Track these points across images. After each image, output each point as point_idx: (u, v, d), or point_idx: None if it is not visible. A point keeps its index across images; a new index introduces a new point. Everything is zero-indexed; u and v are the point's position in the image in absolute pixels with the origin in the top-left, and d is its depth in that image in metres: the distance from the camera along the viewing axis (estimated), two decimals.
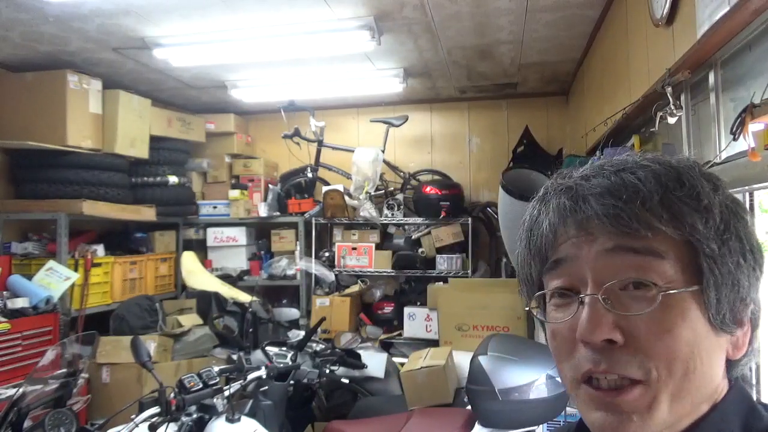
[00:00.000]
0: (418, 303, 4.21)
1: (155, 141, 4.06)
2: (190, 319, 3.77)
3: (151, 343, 3.33)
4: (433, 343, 3.90)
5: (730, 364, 0.56)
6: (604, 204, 0.52)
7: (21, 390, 1.77)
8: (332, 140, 4.50)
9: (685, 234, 0.51)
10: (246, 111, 4.85)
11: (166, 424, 1.81)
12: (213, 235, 4.51)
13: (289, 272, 4.34)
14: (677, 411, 0.51)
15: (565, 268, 0.55)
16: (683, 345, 0.50)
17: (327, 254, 4.43)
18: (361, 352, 3.33)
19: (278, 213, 4.52)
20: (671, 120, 1.72)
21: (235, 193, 4.48)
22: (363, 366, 3.14)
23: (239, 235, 4.50)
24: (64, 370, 1.94)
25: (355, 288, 4.25)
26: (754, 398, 0.56)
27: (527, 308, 0.62)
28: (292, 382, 2.54)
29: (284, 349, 2.78)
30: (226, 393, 2.05)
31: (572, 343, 0.54)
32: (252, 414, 2.17)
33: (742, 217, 0.54)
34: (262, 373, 2.35)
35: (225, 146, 4.70)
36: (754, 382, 1.48)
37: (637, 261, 0.51)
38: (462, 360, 3.32)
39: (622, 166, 0.55)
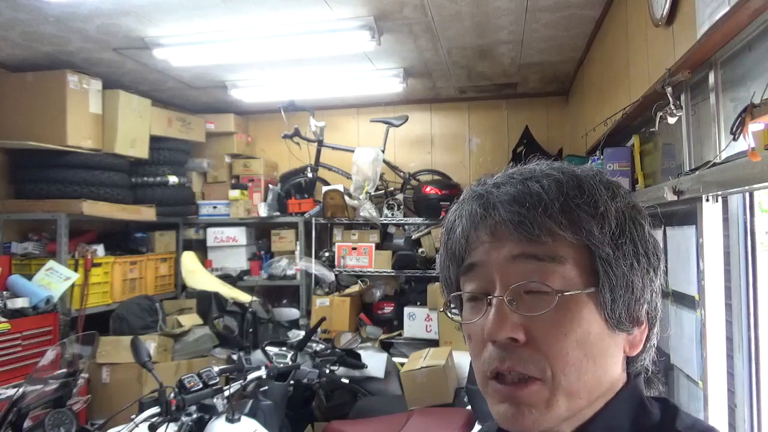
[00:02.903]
0: (418, 303, 4.21)
1: (155, 141, 4.06)
2: (190, 319, 3.77)
3: (151, 343, 3.33)
4: (433, 343, 3.91)
5: (629, 360, 0.60)
6: (511, 211, 0.56)
7: (21, 390, 1.77)
8: (332, 140, 4.50)
9: (583, 239, 0.55)
10: (246, 111, 4.85)
11: (166, 424, 1.82)
12: (213, 235, 4.51)
13: (289, 272, 4.34)
14: (573, 407, 0.55)
15: (477, 272, 0.59)
16: (577, 347, 0.54)
17: (327, 254, 4.43)
18: (361, 352, 3.33)
19: (278, 213, 4.52)
20: (671, 120, 1.72)
21: (235, 193, 4.48)
22: (363, 366, 3.14)
23: (239, 235, 4.50)
24: (64, 370, 1.94)
25: (355, 288, 4.25)
26: (645, 394, 0.60)
27: (441, 310, 0.66)
28: (292, 382, 2.54)
29: (284, 349, 2.78)
30: (226, 393, 2.05)
31: (483, 342, 0.57)
32: (252, 414, 2.17)
33: (639, 222, 0.58)
34: (262, 373, 2.35)
35: (225, 146, 4.70)
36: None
37: (539, 267, 0.55)
38: (462, 360, 3.32)
39: (529, 175, 0.59)
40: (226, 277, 4.25)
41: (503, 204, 0.57)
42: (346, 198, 4.32)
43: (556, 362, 0.54)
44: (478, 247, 0.59)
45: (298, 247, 4.41)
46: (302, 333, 3.13)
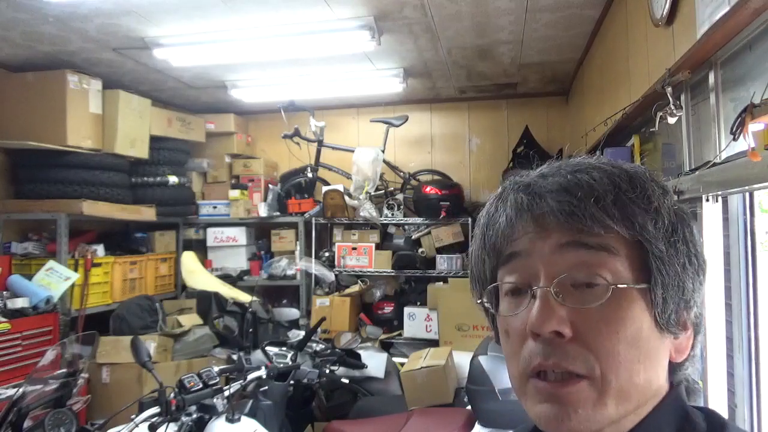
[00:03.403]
0: (418, 303, 4.21)
1: (155, 141, 4.06)
2: (190, 319, 3.77)
3: (151, 343, 3.33)
4: (433, 343, 3.90)
5: (673, 368, 0.56)
6: (560, 201, 0.53)
7: (21, 390, 1.77)
8: (332, 140, 4.50)
9: (636, 233, 0.52)
10: (246, 111, 4.85)
11: (166, 424, 1.81)
12: (213, 235, 4.52)
13: (289, 272, 4.34)
14: (621, 411, 0.51)
15: (519, 262, 0.56)
16: (629, 345, 0.51)
17: (327, 254, 4.43)
18: (361, 352, 3.33)
19: (278, 213, 4.52)
20: (671, 120, 1.72)
21: (235, 193, 4.48)
22: (363, 366, 3.14)
23: (239, 235, 4.50)
24: (64, 370, 1.94)
25: (355, 288, 4.25)
26: (689, 404, 0.56)
27: (478, 301, 0.62)
28: (292, 382, 2.54)
29: (284, 349, 2.78)
30: (226, 393, 2.05)
31: (523, 338, 0.54)
32: (252, 414, 2.17)
33: (688, 224, 0.56)
34: (262, 373, 2.35)
35: (225, 146, 4.70)
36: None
37: (589, 256, 0.52)
38: (462, 360, 3.32)
39: (578, 167, 0.56)
40: (226, 277, 4.25)
41: (552, 194, 0.54)
42: (346, 198, 4.32)
43: (606, 360, 0.50)
44: (521, 237, 0.56)
45: (298, 247, 4.41)
46: (302, 333, 3.12)
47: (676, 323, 0.54)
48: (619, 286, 0.51)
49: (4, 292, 3.12)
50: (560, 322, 0.51)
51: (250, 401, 2.25)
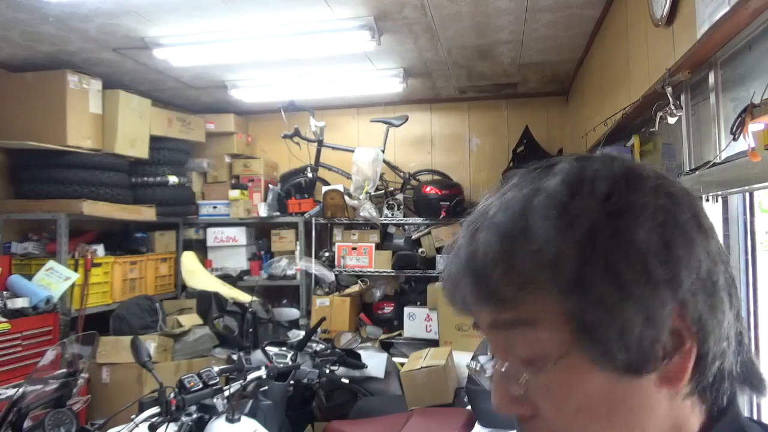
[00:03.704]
0: (418, 303, 4.21)
1: (155, 141, 4.06)
2: (190, 319, 3.77)
3: (151, 343, 3.33)
4: (433, 343, 3.90)
5: (695, 386, 0.46)
6: (452, 300, 0.51)
7: (21, 390, 1.78)
8: (332, 140, 4.50)
9: (541, 297, 0.45)
10: (246, 111, 4.85)
11: (166, 424, 1.81)
12: (213, 235, 4.52)
13: (289, 272, 4.34)
14: None
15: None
16: (579, 415, 0.45)
17: (327, 254, 4.43)
18: (361, 352, 3.33)
19: (278, 213, 4.52)
20: (671, 120, 1.72)
21: (235, 193, 4.48)
22: (363, 366, 3.14)
23: (239, 235, 4.50)
24: (64, 370, 1.94)
25: (355, 288, 4.25)
26: (746, 419, 0.49)
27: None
28: (292, 382, 2.54)
29: (284, 349, 2.78)
30: (226, 393, 2.05)
31: None
32: (252, 414, 2.17)
33: (626, 232, 0.43)
34: (262, 373, 2.35)
35: (225, 146, 4.70)
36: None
37: (514, 335, 0.47)
38: (462, 360, 3.32)
39: (480, 222, 0.49)
40: (226, 277, 4.25)
41: (454, 280, 0.50)
42: (346, 198, 4.32)
43: None
44: None
45: (298, 247, 4.41)
46: (302, 333, 3.12)
47: (642, 360, 0.43)
48: (555, 360, 0.45)
49: (4, 292, 3.12)
50: (512, 404, 0.48)
51: (250, 401, 2.25)
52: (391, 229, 4.48)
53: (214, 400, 2.01)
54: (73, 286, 3.35)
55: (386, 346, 4.10)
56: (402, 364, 3.47)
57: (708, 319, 0.44)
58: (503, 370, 0.48)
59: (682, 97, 1.78)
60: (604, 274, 0.43)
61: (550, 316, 0.45)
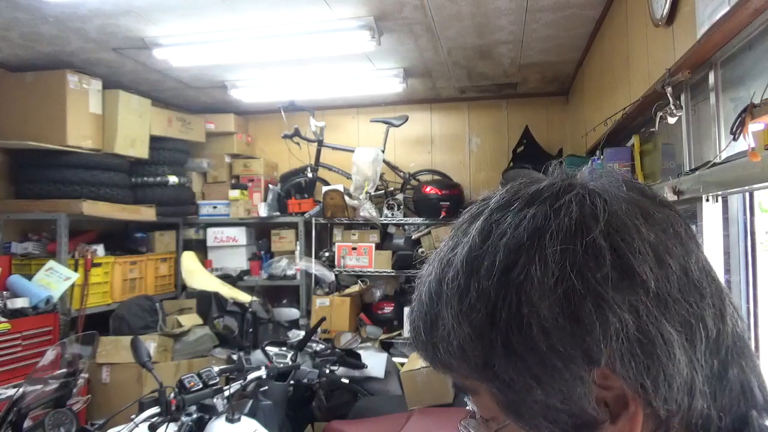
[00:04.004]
0: None
1: (155, 141, 4.06)
2: (190, 319, 3.77)
3: (151, 343, 3.33)
4: None
5: None
6: (414, 345, 0.50)
7: (21, 390, 1.77)
8: (332, 140, 4.50)
9: (455, 372, 0.46)
10: (246, 111, 4.85)
11: (166, 424, 1.81)
12: (213, 235, 4.52)
13: (289, 272, 4.34)
14: None
15: None
16: None
17: (327, 254, 4.43)
18: (361, 352, 3.33)
19: (278, 213, 4.52)
20: (671, 120, 1.72)
21: (235, 193, 4.48)
22: (363, 366, 3.14)
23: (239, 235, 4.50)
24: (64, 370, 1.94)
25: (355, 288, 4.25)
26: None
27: None
28: (292, 382, 2.54)
29: (284, 349, 2.78)
30: (226, 393, 2.05)
31: None
32: (252, 414, 2.17)
33: (517, 323, 0.41)
34: (262, 373, 2.35)
35: (225, 146, 4.70)
36: None
37: (471, 399, 0.47)
38: None
39: (416, 292, 0.50)
40: (226, 277, 4.25)
41: (410, 332, 0.51)
42: (346, 198, 4.32)
43: None
44: None
45: (298, 247, 4.41)
46: (302, 333, 3.12)
47: (581, 428, 0.41)
48: (497, 428, 0.45)
49: (4, 292, 3.12)
50: None
51: (250, 401, 2.25)
52: (391, 229, 4.48)
53: (214, 400, 2.01)
54: (73, 286, 3.35)
55: (386, 346, 4.10)
56: (402, 364, 3.47)
57: (648, 381, 0.40)
58: (472, 427, 0.48)
59: (682, 97, 1.78)
60: (507, 361, 0.41)
61: (482, 390, 0.45)
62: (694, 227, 1.67)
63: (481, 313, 0.42)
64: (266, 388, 2.36)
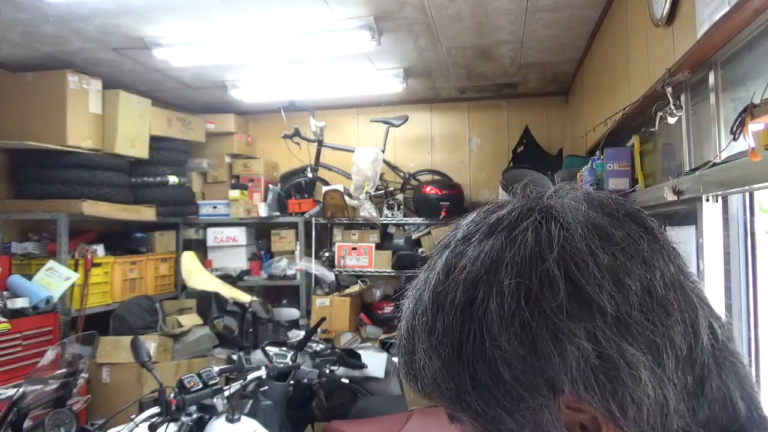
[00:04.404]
0: None
1: (155, 141, 4.06)
2: (190, 319, 3.77)
3: (151, 343, 3.33)
4: None
5: None
6: (403, 375, 0.51)
7: (21, 390, 1.77)
8: (332, 140, 4.50)
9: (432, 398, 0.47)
10: (246, 111, 4.85)
11: (166, 424, 1.81)
12: (213, 235, 4.52)
13: (289, 272, 4.34)
14: None
15: None
16: None
17: (327, 254, 4.43)
18: (361, 352, 3.33)
19: (278, 213, 4.52)
20: (671, 120, 1.72)
21: (235, 193, 4.48)
22: (363, 366, 3.14)
23: (239, 235, 4.50)
24: (64, 370, 1.94)
25: (355, 288, 4.25)
26: None
27: None
28: (292, 382, 2.54)
29: (284, 349, 2.78)
30: (226, 393, 2.05)
31: None
32: (252, 414, 2.17)
33: (480, 356, 0.42)
34: (262, 373, 2.35)
35: (225, 146, 4.70)
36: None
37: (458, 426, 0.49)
38: None
39: (405, 308, 0.51)
40: (226, 277, 4.25)
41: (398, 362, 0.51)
42: (346, 198, 4.32)
43: None
44: None
45: (298, 247, 4.41)
46: (302, 333, 3.12)
47: None
48: None
49: (4, 292, 3.12)
50: None
51: (250, 401, 2.25)
52: (391, 229, 4.48)
53: (214, 400, 2.01)
54: (73, 286, 3.35)
55: (386, 346, 4.10)
56: None
57: (614, 406, 0.41)
58: None
59: (682, 97, 1.78)
60: (477, 391, 0.43)
61: (464, 419, 0.46)
62: (694, 227, 1.68)
63: (448, 347, 0.43)
64: (266, 388, 2.36)
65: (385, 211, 4.34)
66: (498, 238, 0.44)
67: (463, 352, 0.42)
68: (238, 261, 4.51)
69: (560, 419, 0.41)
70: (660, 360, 0.41)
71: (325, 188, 4.47)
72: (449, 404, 0.45)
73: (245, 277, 4.42)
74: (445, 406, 0.47)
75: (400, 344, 0.49)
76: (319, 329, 3.30)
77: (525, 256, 0.42)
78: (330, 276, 4.19)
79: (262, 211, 4.47)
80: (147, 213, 3.97)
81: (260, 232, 4.70)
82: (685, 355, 0.42)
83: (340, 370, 2.96)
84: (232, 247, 4.52)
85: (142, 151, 3.92)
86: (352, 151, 4.30)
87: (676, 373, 0.42)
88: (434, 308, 0.45)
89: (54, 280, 3.26)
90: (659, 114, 1.78)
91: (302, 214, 4.42)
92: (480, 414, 0.43)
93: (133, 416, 1.81)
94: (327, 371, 2.80)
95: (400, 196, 4.41)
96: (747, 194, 1.52)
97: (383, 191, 4.43)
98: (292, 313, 3.86)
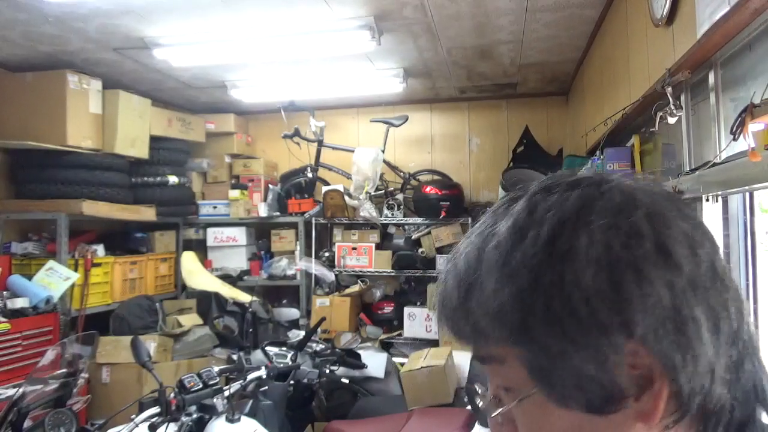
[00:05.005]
0: (418, 303, 4.21)
1: (155, 141, 4.06)
2: (190, 319, 3.77)
3: (151, 343, 3.33)
4: (433, 343, 3.91)
5: (683, 423, 0.44)
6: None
7: (21, 390, 1.78)
8: (332, 140, 4.50)
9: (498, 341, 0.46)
10: (246, 111, 4.85)
11: (166, 424, 1.82)
12: (213, 235, 4.52)
13: (289, 272, 4.34)
14: None
15: None
16: None
17: (327, 254, 4.43)
18: (361, 352, 3.33)
19: (278, 213, 4.52)
20: (671, 120, 1.72)
21: (235, 193, 4.48)
22: (363, 366, 3.14)
23: (239, 235, 4.50)
24: (64, 370, 1.94)
25: (355, 288, 4.25)
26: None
27: None
28: (292, 382, 2.54)
29: (284, 349, 2.78)
30: (226, 393, 2.05)
31: None
32: (252, 414, 2.17)
33: (558, 289, 0.42)
34: (262, 373, 2.35)
35: (225, 146, 4.70)
36: None
37: (491, 369, 0.49)
38: (462, 360, 3.32)
39: (452, 262, 0.51)
40: (226, 277, 4.25)
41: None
42: (346, 198, 4.32)
43: None
44: None
45: (298, 247, 4.41)
46: (302, 333, 3.13)
47: (608, 400, 0.42)
48: (520, 398, 0.46)
49: (4, 292, 3.12)
50: (501, 429, 0.49)
51: (250, 401, 2.25)
52: (391, 229, 4.48)
53: (214, 400, 2.01)
54: (73, 286, 3.35)
55: (386, 346, 4.10)
56: (402, 364, 3.47)
57: (677, 357, 0.42)
58: (490, 397, 0.50)
59: (682, 97, 1.78)
60: (546, 324, 0.42)
61: (510, 358, 0.46)
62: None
63: (524, 277, 0.43)
64: (266, 388, 2.36)
65: (385, 211, 4.34)
66: (585, 190, 0.46)
67: (541, 283, 0.43)
68: (238, 261, 4.51)
69: (623, 362, 0.42)
70: (718, 328, 0.44)
71: (325, 188, 4.47)
72: (508, 336, 0.44)
73: (245, 277, 4.42)
74: (495, 341, 0.46)
75: (451, 280, 0.49)
76: (319, 329, 3.30)
77: (614, 207, 0.44)
78: (330, 276, 4.19)
79: (262, 211, 4.47)
80: (147, 213, 3.97)
81: (260, 232, 4.69)
82: (735, 330, 0.45)
83: (340, 370, 2.96)
84: (232, 247, 4.52)
85: (142, 151, 3.92)
86: (352, 151, 4.30)
87: (726, 345, 0.44)
88: (513, 241, 0.45)
89: (54, 280, 3.26)
90: (659, 114, 1.78)
91: (302, 214, 4.42)
92: (542, 347, 0.43)
93: (133, 416, 1.81)
94: (327, 371, 2.80)
95: (400, 196, 4.41)
96: (747, 194, 1.52)
97: (383, 191, 4.42)
98: (292, 313, 3.86)
